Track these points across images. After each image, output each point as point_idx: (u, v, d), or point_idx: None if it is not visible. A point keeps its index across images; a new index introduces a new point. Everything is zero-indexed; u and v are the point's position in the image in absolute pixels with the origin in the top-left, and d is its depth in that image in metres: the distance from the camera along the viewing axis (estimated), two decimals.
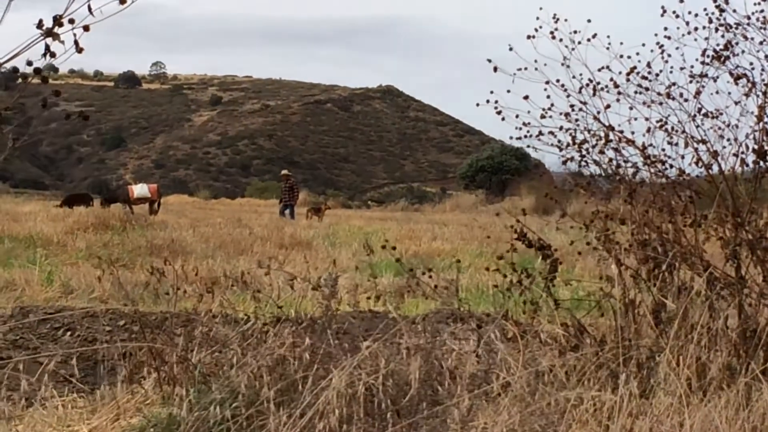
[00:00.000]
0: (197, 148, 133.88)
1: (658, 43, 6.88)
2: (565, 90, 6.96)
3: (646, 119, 6.97)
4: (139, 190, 36.93)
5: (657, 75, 6.92)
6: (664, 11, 6.82)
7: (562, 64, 6.92)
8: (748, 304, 6.52)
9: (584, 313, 7.09)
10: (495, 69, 6.92)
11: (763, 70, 6.78)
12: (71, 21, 3.01)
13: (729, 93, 6.85)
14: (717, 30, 6.80)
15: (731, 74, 6.80)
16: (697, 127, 6.85)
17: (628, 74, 6.93)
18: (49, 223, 23.40)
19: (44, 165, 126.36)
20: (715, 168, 6.86)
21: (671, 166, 6.97)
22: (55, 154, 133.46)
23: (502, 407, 5.16)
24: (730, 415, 5.30)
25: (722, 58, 6.79)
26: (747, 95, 6.77)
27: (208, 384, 6.01)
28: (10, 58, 3.01)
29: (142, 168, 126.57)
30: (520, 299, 6.88)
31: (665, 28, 6.82)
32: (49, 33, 3.01)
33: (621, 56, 6.90)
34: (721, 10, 6.77)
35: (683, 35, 6.84)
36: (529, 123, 7.00)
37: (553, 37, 6.90)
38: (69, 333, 8.30)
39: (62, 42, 3.04)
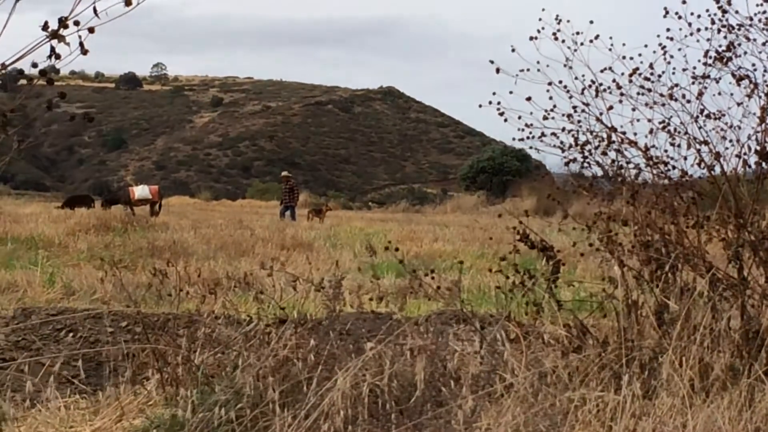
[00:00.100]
0: (198, 150, 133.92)
1: (660, 44, 6.88)
2: (568, 91, 6.96)
3: (649, 120, 6.97)
4: (140, 191, 36.93)
5: (659, 76, 6.92)
6: (667, 12, 6.82)
7: (565, 65, 6.92)
8: (750, 305, 6.52)
9: (587, 314, 7.09)
10: (497, 70, 6.92)
11: (765, 71, 6.78)
12: (76, 23, 3.02)
13: (731, 94, 6.85)
14: (719, 31, 6.80)
15: (734, 75, 6.80)
16: (700, 128, 6.86)
17: (630, 75, 6.92)
18: (50, 224, 23.41)
19: (45, 166, 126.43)
20: (718, 169, 6.87)
21: (674, 168, 6.98)
22: (56, 155, 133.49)
23: (506, 408, 5.16)
24: (733, 416, 5.30)
25: (725, 60, 6.79)
26: (749, 96, 6.77)
27: (210, 385, 6.01)
28: (16, 60, 3.01)
29: (143, 169, 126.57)
30: (522, 300, 6.88)
31: (668, 29, 6.83)
32: (55, 35, 3.01)
33: (623, 57, 6.90)
34: (724, 11, 6.76)
35: (686, 36, 6.84)
36: (531, 124, 7.00)
37: (556, 39, 6.90)
38: (71, 334, 8.30)
39: (68, 44, 3.04)
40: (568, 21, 6.93)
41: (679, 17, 6.78)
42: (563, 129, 7.06)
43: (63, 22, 3.03)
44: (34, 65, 3.11)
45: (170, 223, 26.12)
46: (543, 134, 7.05)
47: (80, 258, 16.30)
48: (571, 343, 6.50)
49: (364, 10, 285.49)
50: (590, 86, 6.95)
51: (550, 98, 6.97)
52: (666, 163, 6.97)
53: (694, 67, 6.90)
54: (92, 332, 8.33)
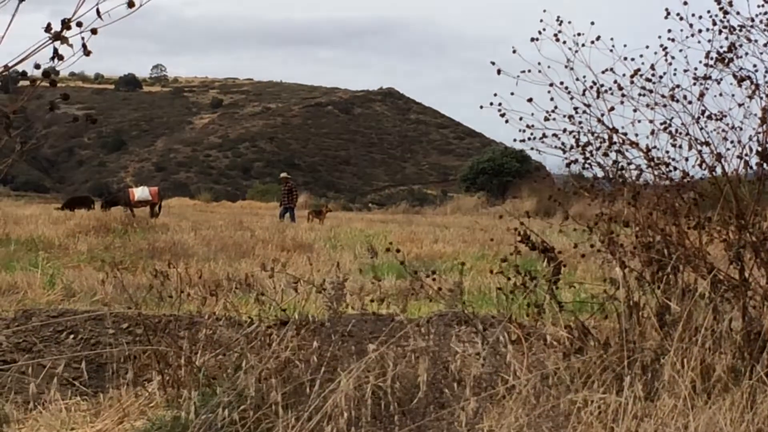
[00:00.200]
0: (198, 151, 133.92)
1: (661, 45, 6.88)
2: (569, 92, 6.96)
3: (650, 121, 6.97)
4: (140, 192, 36.96)
5: (661, 77, 6.92)
6: (668, 13, 6.82)
7: (566, 67, 6.92)
8: (752, 307, 6.52)
9: (588, 315, 7.08)
10: (498, 71, 6.92)
11: (767, 72, 6.78)
12: (79, 24, 3.01)
13: (733, 95, 6.85)
14: (721, 32, 6.80)
15: (735, 76, 6.80)
16: (701, 129, 6.85)
17: (632, 76, 6.92)
18: (50, 226, 23.45)
19: (45, 168, 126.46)
20: (719, 170, 6.87)
21: (675, 168, 6.98)
22: (56, 157, 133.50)
23: (508, 410, 5.16)
24: (735, 418, 5.30)
25: (726, 60, 6.78)
26: (751, 97, 6.77)
27: (212, 387, 6.01)
28: (19, 62, 3.01)
29: (143, 171, 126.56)
30: (523, 302, 6.88)
31: (669, 30, 6.83)
32: (58, 36, 3.00)
33: (625, 58, 6.90)
34: (725, 12, 6.76)
35: (687, 37, 6.84)
36: (533, 125, 7.00)
37: (557, 39, 6.90)
38: (72, 336, 8.30)
39: (71, 45, 3.03)
40: (570, 22, 6.93)
41: (681, 18, 6.79)
42: (564, 130, 7.06)
43: (66, 24, 3.03)
44: (37, 66, 3.10)
45: (170, 225, 26.13)
46: (544, 135, 7.05)
47: (80, 259, 16.31)
48: (573, 344, 6.49)
49: (364, 11, 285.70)
50: (591, 87, 6.95)
51: (551, 99, 6.97)
52: (667, 164, 6.97)
53: (696, 68, 6.91)
54: (93, 334, 8.33)
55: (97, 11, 2.97)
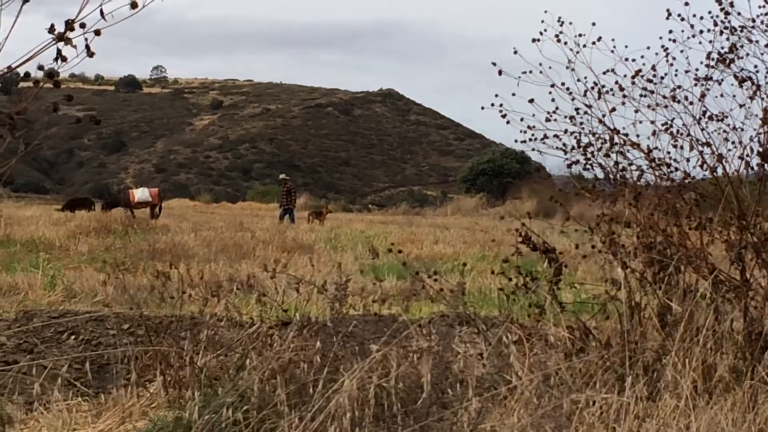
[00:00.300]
0: (198, 152, 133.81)
1: (662, 46, 6.89)
2: (570, 93, 6.96)
3: (651, 122, 6.98)
4: (141, 194, 36.95)
5: (662, 78, 6.92)
6: (669, 14, 6.82)
7: (567, 68, 6.92)
8: (753, 307, 6.52)
9: (589, 316, 7.08)
10: (500, 72, 6.92)
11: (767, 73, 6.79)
12: (82, 25, 3.01)
13: (734, 96, 6.86)
14: (722, 33, 6.80)
15: (736, 77, 6.81)
16: (702, 130, 6.86)
17: (633, 77, 6.93)
18: (50, 227, 23.45)
19: (45, 169, 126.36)
20: (720, 171, 6.87)
21: (676, 169, 6.98)
22: (56, 158, 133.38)
23: (510, 410, 5.16)
24: (737, 418, 5.31)
25: (727, 61, 6.79)
26: (752, 98, 6.77)
27: (214, 387, 6.01)
28: (22, 63, 3.01)
29: (143, 172, 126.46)
30: (525, 302, 6.88)
31: (670, 31, 6.83)
32: (61, 37, 3.01)
33: (626, 59, 6.90)
34: (726, 13, 6.77)
35: (688, 38, 6.85)
36: (534, 126, 7.00)
37: (558, 41, 6.90)
38: (73, 337, 8.30)
39: (74, 46, 3.04)
40: (571, 23, 6.93)
41: (682, 19, 6.79)
42: (566, 131, 7.06)
43: (69, 25, 3.03)
44: (41, 68, 3.11)
45: (170, 226, 26.14)
46: (545, 136, 7.05)
47: (81, 261, 16.30)
48: (574, 345, 6.50)
49: (364, 12, 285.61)
50: (593, 88, 6.96)
51: (553, 100, 6.98)
52: (669, 165, 6.98)
53: (697, 69, 6.92)
54: (94, 335, 8.33)
55: (101, 12, 2.97)
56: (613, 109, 6.97)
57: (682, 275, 6.61)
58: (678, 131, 6.92)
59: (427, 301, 9.31)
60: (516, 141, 7.23)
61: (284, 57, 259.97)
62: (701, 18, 6.83)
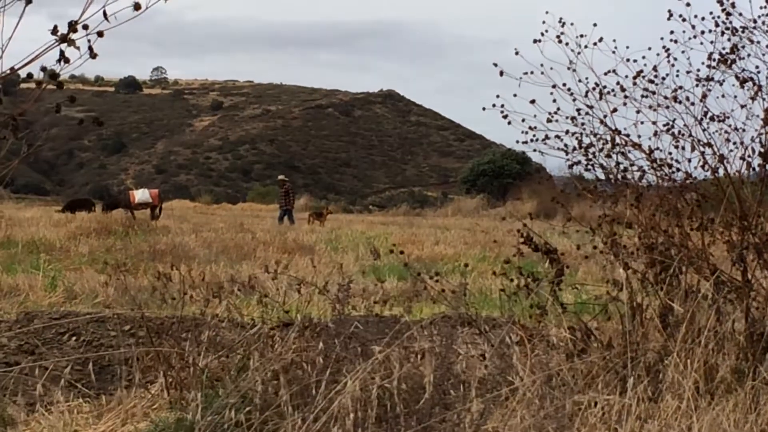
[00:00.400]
0: (198, 153, 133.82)
1: (664, 47, 6.89)
2: (572, 94, 6.97)
3: (653, 123, 6.98)
4: (141, 195, 37.00)
5: (663, 79, 6.93)
6: (671, 15, 6.82)
7: (568, 68, 6.92)
8: (755, 308, 6.53)
9: (590, 317, 7.09)
10: (501, 73, 6.93)
11: None
12: (85, 27, 3.02)
13: (735, 96, 6.86)
14: (723, 33, 6.81)
15: (737, 78, 6.81)
16: (704, 130, 6.87)
17: (634, 78, 6.93)
18: (51, 228, 23.47)
19: (45, 170, 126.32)
20: (722, 171, 6.88)
21: (678, 170, 6.98)
22: (56, 159, 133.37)
23: (513, 411, 5.16)
24: (738, 419, 5.31)
25: (728, 62, 6.79)
26: (753, 99, 6.78)
27: (215, 388, 6.01)
28: (26, 64, 3.01)
29: (144, 173, 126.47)
30: (526, 303, 6.89)
31: (671, 32, 6.83)
32: (64, 39, 3.01)
33: (627, 60, 6.91)
34: (728, 14, 6.77)
35: (689, 39, 6.85)
36: (535, 127, 7.01)
37: (560, 41, 6.90)
38: (74, 338, 8.31)
39: (78, 48, 3.04)
40: (572, 24, 6.94)
41: (683, 20, 6.79)
42: (567, 132, 7.07)
43: (72, 26, 3.03)
44: (43, 69, 3.11)
45: (171, 227, 26.16)
46: (547, 137, 7.06)
47: (81, 262, 16.31)
48: (576, 346, 6.50)
49: (364, 13, 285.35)
50: (594, 89, 6.97)
51: (554, 101, 6.98)
52: (670, 166, 6.98)
53: (698, 70, 6.92)
54: (95, 336, 8.34)
55: (104, 14, 2.97)
56: (615, 110, 6.98)
57: (683, 276, 6.61)
58: (679, 132, 6.93)
59: (429, 302, 9.33)
60: (517, 142, 7.24)
61: (284, 57, 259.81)
62: (702, 19, 6.83)
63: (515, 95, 6.88)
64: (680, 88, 6.89)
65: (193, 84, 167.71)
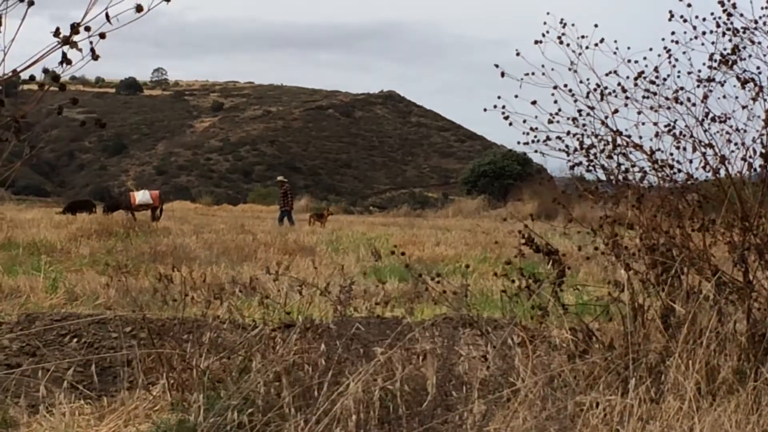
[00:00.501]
0: (199, 155, 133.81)
1: (665, 48, 6.89)
2: (573, 95, 6.96)
3: (654, 124, 6.99)
4: (141, 196, 37.02)
5: (665, 79, 6.93)
6: (672, 15, 6.82)
7: (569, 69, 6.92)
8: (756, 309, 6.53)
9: (592, 318, 7.09)
10: (502, 74, 6.93)
11: None
12: (87, 29, 3.02)
13: (736, 97, 6.86)
14: (724, 34, 6.81)
15: (738, 78, 6.81)
16: (705, 131, 6.87)
17: (635, 79, 6.93)
18: (52, 230, 23.48)
19: (46, 172, 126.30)
20: (723, 172, 6.88)
21: (679, 171, 6.98)
22: (57, 160, 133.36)
23: (515, 413, 5.16)
24: (740, 420, 5.30)
25: (729, 63, 6.79)
26: (754, 99, 6.78)
27: (217, 390, 6.01)
28: (28, 66, 3.01)
29: (144, 174, 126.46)
30: (528, 304, 6.88)
31: (672, 33, 6.83)
32: (67, 41, 3.01)
33: (629, 61, 6.91)
34: (729, 15, 6.77)
35: (690, 39, 6.85)
36: (536, 128, 7.01)
37: (561, 42, 6.90)
38: (75, 340, 8.30)
39: (80, 50, 3.04)
40: (573, 25, 6.94)
41: (684, 21, 6.79)
42: (568, 133, 7.06)
43: (75, 28, 3.03)
44: (45, 71, 3.11)
45: (172, 228, 26.17)
46: (548, 138, 7.06)
47: (82, 263, 16.30)
48: (577, 347, 6.50)
49: (365, 14, 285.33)
50: (595, 90, 6.97)
51: (555, 102, 6.98)
52: (671, 167, 6.98)
53: (699, 71, 6.92)
54: (97, 338, 8.33)
55: (107, 16, 2.98)
56: (616, 111, 6.97)
57: (685, 277, 6.61)
58: (681, 133, 6.93)
59: (430, 303, 9.33)
60: (519, 143, 7.24)
61: (285, 58, 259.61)
62: (704, 19, 6.83)
63: (516, 96, 6.88)
64: (681, 89, 6.90)
65: (194, 85, 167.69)
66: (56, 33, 3.04)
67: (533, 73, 6.89)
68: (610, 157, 7.03)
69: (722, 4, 6.77)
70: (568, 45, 6.92)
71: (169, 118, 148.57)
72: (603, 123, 6.98)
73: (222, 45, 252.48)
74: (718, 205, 6.80)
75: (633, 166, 7.06)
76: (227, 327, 7.64)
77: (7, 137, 3.15)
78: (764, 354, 6.11)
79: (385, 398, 5.08)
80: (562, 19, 6.95)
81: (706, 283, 6.54)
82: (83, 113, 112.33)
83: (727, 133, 6.86)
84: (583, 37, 6.89)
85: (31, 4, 3.07)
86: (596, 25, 6.95)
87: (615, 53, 6.92)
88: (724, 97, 6.89)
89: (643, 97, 6.96)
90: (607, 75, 6.96)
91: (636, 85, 6.95)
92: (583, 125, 7.02)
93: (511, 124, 7.03)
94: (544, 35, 6.93)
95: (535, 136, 7.07)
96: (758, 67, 6.80)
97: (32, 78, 3.16)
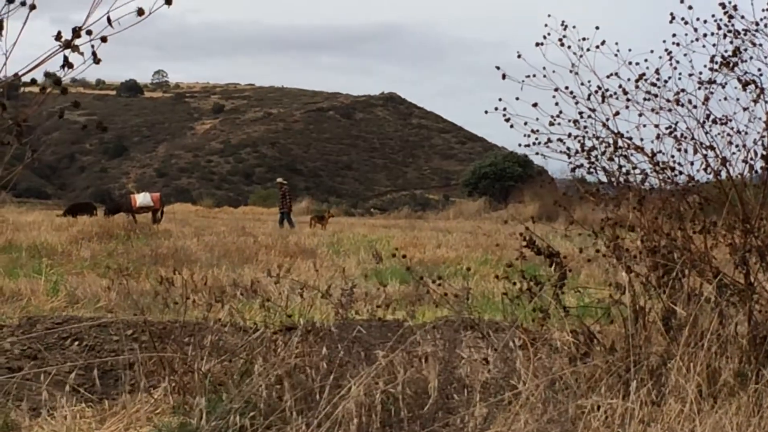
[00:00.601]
0: (200, 157, 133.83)
1: (666, 50, 6.89)
2: (574, 97, 6.97)
3: (655, 126, 6.99)
4: (142, 199, 37.01)
5: (666, 82, 6.93)
6: (673, 18, 6.82)
7: (571, 71, 6.92)
8: (757, 311, 6.53)
9: (593, 320, 7.08)
10: (503, 76, 6.92)
11: None
12: (89, 32, 3.02)
13: (737, 99, 6.87)
14: (725, 36, 6.81)
15: (740, 80, 6.81)
16: (706, 133, 6.87)
17: (636, 81, 6.93)
18: (53, 232, 23.48)
19: (47, 174, 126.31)
20: (724, 174, 6.87)
21: (680, 173, 6.98)
22: (58, 163, 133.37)
23: (516, 415, 5.15)
24: (741, 422, 5.30)
25: (731, 65, 6.79)
26: (755, 101, 6.78)
27: (218, 393, 6.01)
28: (30, 70, 3.01)
29: (145, 177, 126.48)
30: (529, 307, 6.88)
31: (674, 35, 6.83)
32: (68, 44, 3.01)
33: (630, 63, 6.91)
34: (730, 17, 6.77)
35: (692, 41, 6.85)
36: (537, 130, 7.01)
37: (562, 44, 6.90)
38: (77, 343, 8.30)
39: (81, 53, 3.04)
40: (574, 27, 6.94)
41: (686, 23, 6.79)
42: (569, 135, 7.07)
43: (77, 32, 3.03)
44: (47, 74, 3.11)
45: (173, 231, 26.18)
46: (549, 140, 7.06)
47: (83, 266, 16.30)
48: (579, 349, 6.49)
49: (366, 16, 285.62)
50: (596, 92, 6.97)
51: (556, 104, 6.98)
52: (672, 169, 6.98)
53: (700, 73, 6.92)
54: (98, 341, 8.33)
55: (108, 19, 2.98)
56: (617, 113, 6.98)
57: (686, 279, 6.61)
58: (682, 135, 6.93)
59: (432, 306, 9.33)
60: (520, 145, 7.25)
61: (286, 61, 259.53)
62: (705, 22, 6.83)
63: (517, 98, 6.89)
64: (682, 91, 6.90)
65: (195, 87, 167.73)
66: (58, 37, 3.05)
67: (534, 75, 6.89)
68: (611, 159, 7.04)
69: (723, 6, 6.78)
70: (569, 47, 6.93)
71: (170, 120, 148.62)
72: (604, 125, 6.99)
73: (224, 48, 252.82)
74: (720, 207, 6.80)
75: (634, 168, 7.06)
76: (228, 330, 7.63)
77: (8, 140, 3.16)
78: (765, 356, 6.11)
79: (386, 401, 5.08)
80: (563, 21, 6.95)
81: (707, 286, 6.54)
82: (84, 116, 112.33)
83: (729, 135, 6.86)
84: (584, 39, 6.90)
85: (32, 7, 3.07)
86: (597, 28, 6.96)
87: (616, 55, 6.92)
88: (725, 99, 6.91)
89: (645, 99, 6.96)
90: (608, 77, 6.97)
91: (637, 87, 6.95)
92: (585, 127, 7.03)
93: (512, 126, 7.04)
94: (545, 37, 6.93)
95: (537, 138, 7.08)
96: (759, 69, 6.81)
97: (34, 81, 3.16)
